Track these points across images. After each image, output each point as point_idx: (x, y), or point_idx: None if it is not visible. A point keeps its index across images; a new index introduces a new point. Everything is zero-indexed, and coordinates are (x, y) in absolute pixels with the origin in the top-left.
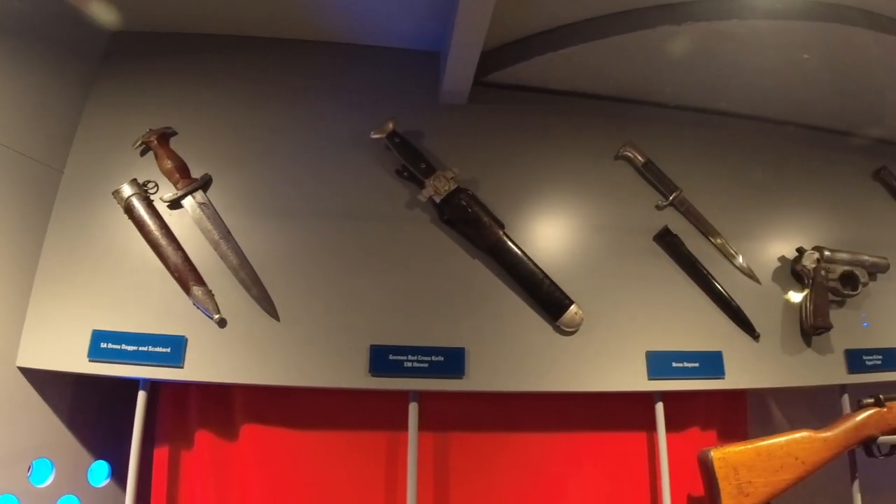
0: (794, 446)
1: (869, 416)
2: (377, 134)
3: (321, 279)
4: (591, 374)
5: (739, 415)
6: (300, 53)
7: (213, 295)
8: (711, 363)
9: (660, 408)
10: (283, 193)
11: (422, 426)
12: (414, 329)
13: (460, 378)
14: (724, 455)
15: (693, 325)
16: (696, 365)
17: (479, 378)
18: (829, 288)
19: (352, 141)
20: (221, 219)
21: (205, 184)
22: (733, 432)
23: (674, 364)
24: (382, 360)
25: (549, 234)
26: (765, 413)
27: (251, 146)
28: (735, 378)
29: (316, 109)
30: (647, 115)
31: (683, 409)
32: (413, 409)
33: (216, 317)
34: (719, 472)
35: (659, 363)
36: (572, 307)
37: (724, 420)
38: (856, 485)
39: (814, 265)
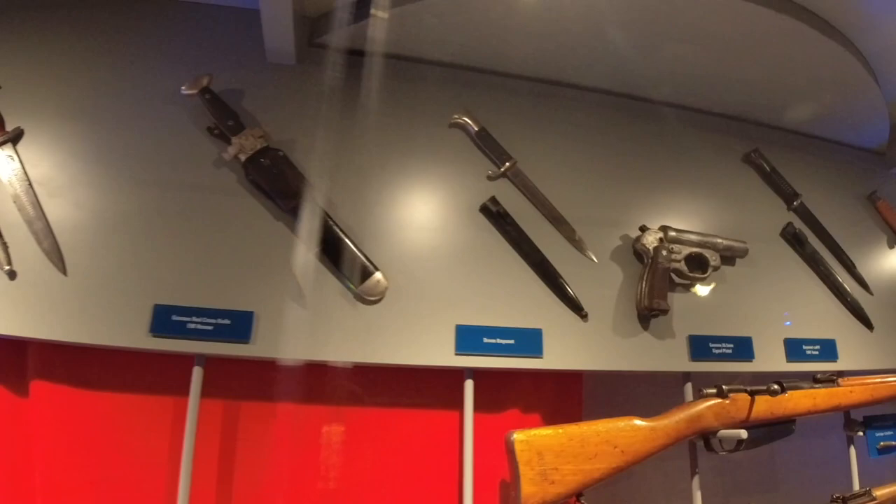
0: (613, 433)
1: (707, 407)
2: (189, 89)
3: (117, 236)
4: (394, 347)
5: (572, 400)
6: (124, 10)
7: (7, 247)
8: (529, 341)
9: (469, 385)
10: (94, 150)
11: (212, 393)
12: (204, 290)
13: (246, 343)
14: (528, 438)
15: (514, 302)
16: (511, 342)
17: (267, 344)
18: (671, 269)
19: (168, 99)
20: (26, 172)
21: (15, 137)
22: (564, 418)
23: (485, 340)
24: (165, 320)
25: (367, 200)
26: (610, 400)
27: (68, 103)
28: (555, 358)
29: (138, 67)
30: (487, 83)
31: (503, 389)
32: (197, 373)
33: (6, 268)
34: (521, 456)
35: (468, 338)
36: (376, 275)
37: (554, 404)
38: (695, 481)
39: (654, 244)
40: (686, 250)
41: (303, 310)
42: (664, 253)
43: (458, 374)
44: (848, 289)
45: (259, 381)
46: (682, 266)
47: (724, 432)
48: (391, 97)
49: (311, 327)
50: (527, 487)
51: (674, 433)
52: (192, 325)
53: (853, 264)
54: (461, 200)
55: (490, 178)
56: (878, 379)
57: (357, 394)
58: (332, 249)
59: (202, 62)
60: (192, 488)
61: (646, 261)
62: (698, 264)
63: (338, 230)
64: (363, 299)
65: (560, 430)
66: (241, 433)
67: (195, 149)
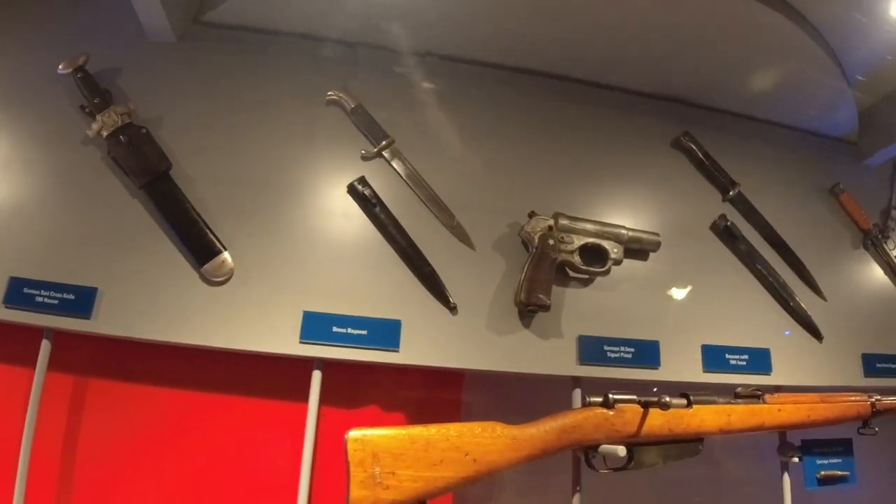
0: (466, 439)
1: (585, 418)
2: (64, 69)
3: None
4: (237, 331)
5: (449, 401)
6: None
7: None
8: (384, 333)
9: (316, 377)
10: None
11: (62, 368)
12: (57, 265)
13: (87, 318)
14: (364, 437)
15: (373, 290)
16: (364, 332)
17: (109, 321)
18: (560, 261)
19: (49, 79)
20: None
21: None
22: (434, 420)
23: (335, 329)
24: (17, 292)
25: (231, 179)
26: (502, 405)
27: None
28: (414, 353)
29: (20, 47)
30: (372, 59)
31: (363, 383)
32: (44, 347)
33: None
34: (353, 457)
35: (316, 326)
36: (223, 255)
37: (426, 404)
38: (576, 499)
39: (541, 232)
40: (581, 240)
41: (148, 288)
42: (551, 242)
43: (310, 365)
44: (794, 292)
45: (108, 358)
46: (575, 258)
47: (603, 448)
48: (268, 74)
49: (155, 306)
50: (356, 491)
51: (540, 444)
52: (39, 299)
53: (802, 264)
54: (331, 181)
55: (364, 157)
56: (818, 397)
57: (203, 378)
58: (181, 227)
59: (85, 42)
60: (31, 463)
61: (530, 249)
62: (597, 257)
63: (189, 208)
64: (208, 280)
65: (403, 432)
66: (87, 410)
67: (68, 128)
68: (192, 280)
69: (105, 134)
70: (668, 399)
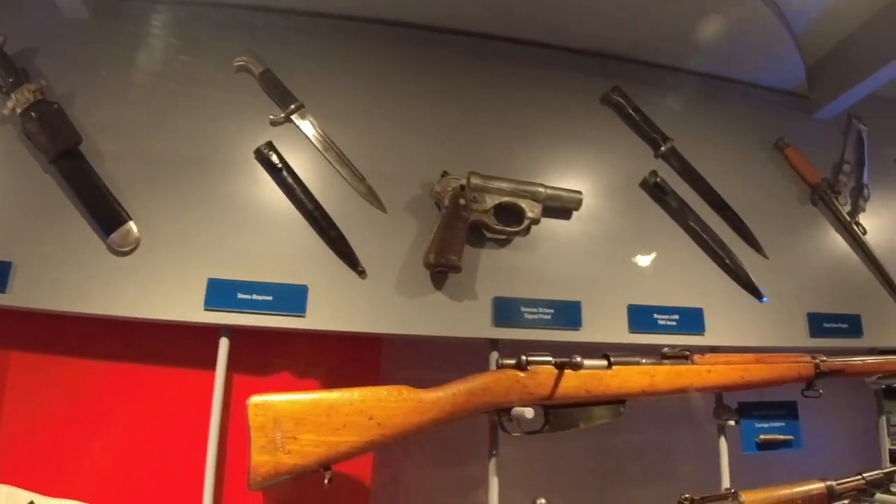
0: (370, 403)
1: (495, 380)
2: None
3: None
4: (144, 300)
5: (366, 366)
6: None
7: None
8: (290, 298)
9: (223, 344)
10: None
11: None
12: None
13: (3, 293)
14: (265, 402)
15: (278, 255)
16: (269, 298)
17: (24, 294)
18: (473, 221)
19: None
20: None
21: None
22: (353, 386)
23: (240, 295)
24: None
25: (141, 152)
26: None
27: None
28: (322, 318)
29: None
30: (278, 23)
31: (274, 350)
32: None
33: None
34: (254, 422)
35: (221, 293)
36: (128, 224)
37: (341, 370)
38: (492, 464)
39: (451, 192)
40: (495, 200)
41: (60, 261)
42: (462, 202)
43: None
44: (732, 250)
45: (24, 330)
46: (489, 218)
47: (515, 411)
48: (177, 45)
49: (68, 279)
50: (256, 456)
51: (448, 407)
52: None
53: (741, 221)
54: (240, 148)
55: (273, 123)
56: (754, 357)
57: (115, 348)
58: (89, 200)
59: (1, 23)
60: None
61: (441, 209)
62: (513, 216)
63: (97, 181)
64: (115, 250)
65: (305, 396)
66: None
67: None
68: (100, 251)
69: (18, 111)
70: (579, 359)
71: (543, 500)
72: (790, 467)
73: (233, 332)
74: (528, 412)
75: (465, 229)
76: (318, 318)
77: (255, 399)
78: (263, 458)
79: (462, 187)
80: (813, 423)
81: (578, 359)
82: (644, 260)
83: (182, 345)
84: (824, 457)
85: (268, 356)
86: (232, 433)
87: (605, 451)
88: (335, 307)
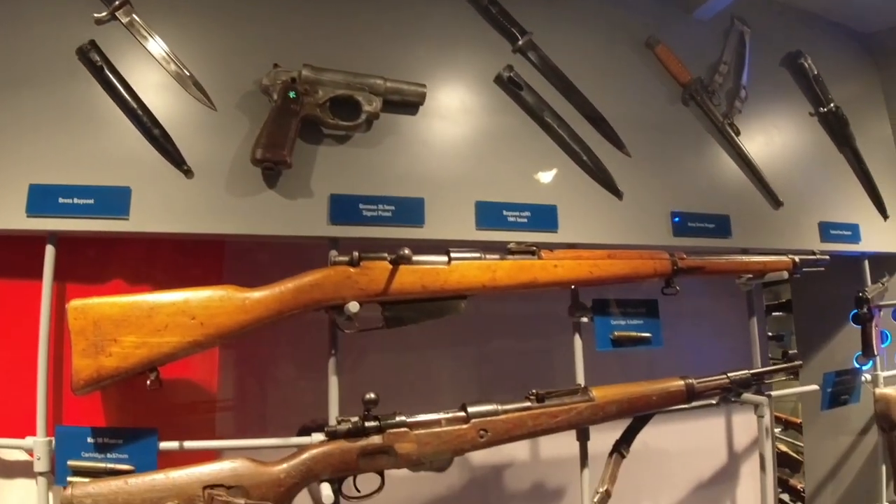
0: (193, 303)
1: (325, 276)
2: None
3: None
4: None
5: (206, 270)
6: None
7: None
8: (112, 201)
9: (49, 252)
10: None
11: None
12: None
13: None
14: (85, 306)
15: (99, 156)
16: (91, 202)
17: None
18: (305, 115)
19: None
20: None
21: None
22: None
23: (61, 200)
24: None
25: None
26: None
27: None
28: (146, 220)
29: None
30: None
31: (107, 257)
32: None
33: None
34: (74, 326)
35: (42, 199)
36: None
37: (179, 274)
38: (331, 363)
39: (280, 84)
40: (330, 92)
41: None
42: (291, 95)
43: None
44: (591, 147)
45: None
46: (323, 112)
47: (353, 306)
48: None
49: None
50: (78, 360)
51: (276, 305)
52: None
53: (602, 118)
54: (61, 48)
55: (97, 21)
56: (606, 253)
57: None
58: None
59: None
60: None
61: (270, 103)
62: (351, 110)
63: None
64: None
65: (125, 299)
66: None
67: None
68: None
69: None
70: (407, 251)
71: (372, 395)
72: (673, 372)
73: (59, 239)
74: (353, 306)
75: (297, 124)
76: (142, 220)
77: (75, 303)
78: (85, 362)
79: (293, 80)
80: (702, 329)
81: (407, 251)
82: (495, 157)
83: (8, 256)
84: (714, 364)
85: (103, 264)
86: (67, 343)
87: (485, 358)
88: (160, 208)
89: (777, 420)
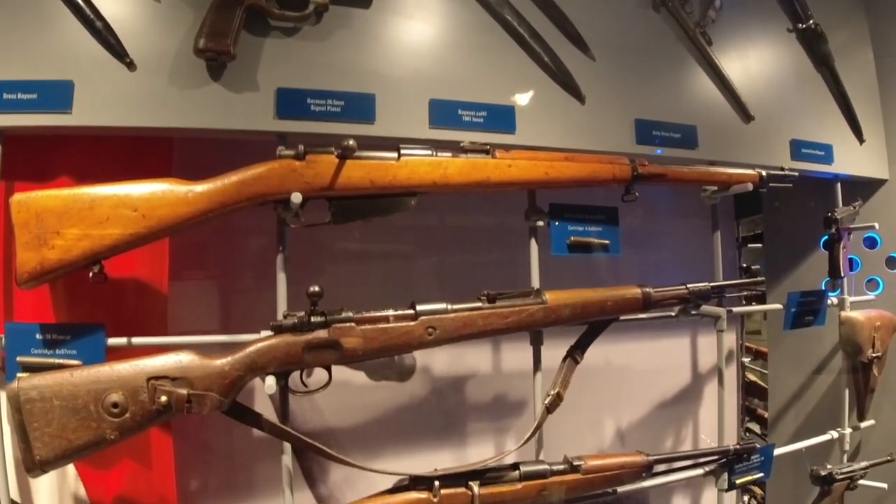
0: (134, 196)
1: (271, 168)
2: None
3: None
4: None
5: (153, 166)
6: None
7: None
8: (54, 95)
9: None
10: None
11: None
12: None
13: None
14: (27, 199)
15: (43, 50)
16: (34, 97)
17: None
18: (249, 4)
19: None
20: None
21: None
22: None
23: (5, 96)
24: None
25: None
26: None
27: None
28: (88, 114)
29: None
30: None
31: (52, 155)
32: None
33: None
34: (17, 219)
35: None
36: None
37: (127, 170)
38: (279, 259)
39: None
40: None
41: None
42: None
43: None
44: (553, 48)
45: None
46: (268, 2)
47: (292, 197)
48: None
49: None
50: (22, 253)
51: (219, 197)
52: None
53: (566, 18)
54: None
55: None
56: (563, 156)
57: None
58: None
59: None
60: None
61: None
62: (298, 1)
63: None
64: None
65: (67, 191)
66: None
67: None
68: None
69: None
70: (352, 143)
71: (316, 287)
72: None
73: (6, 138)
74: (296, 196)
75: (241, 13)
76: (85, 114)
77: (18, 196)
78: (28, 255)
79: None
80: (667, 253)
81: (351, 142)
82: (451, 54)
83: None
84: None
85: (49, 163)
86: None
87: (446, 270)
88: (103, 102)
89: (747, 350)
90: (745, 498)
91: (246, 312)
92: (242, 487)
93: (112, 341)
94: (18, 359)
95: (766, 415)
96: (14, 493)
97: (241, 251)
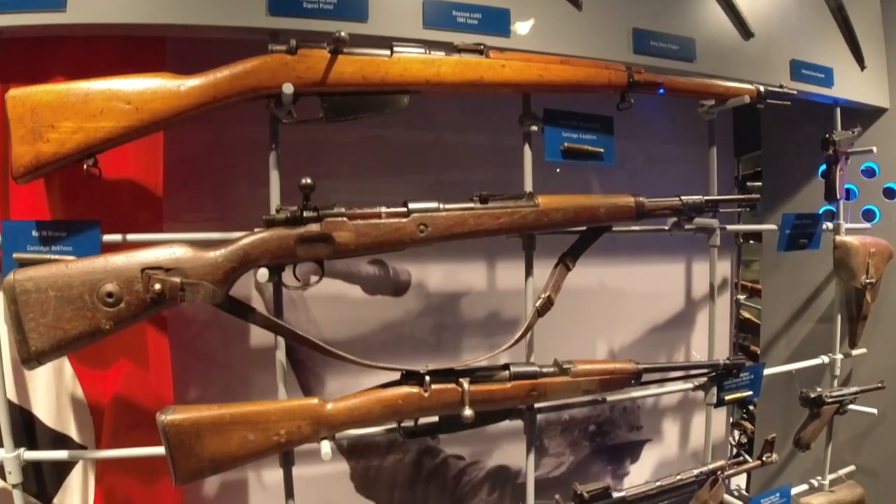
0: (128, 89)
1: (263, 62)
2: None
3: None
4: None
5: (149, 64)
6: None
7: None
8: None
9: None
10: None
11: None
12: None
13: None
14: (23, 94)
15: None
16: None
17: None
18: None
19: None
20: None
21: None
22: None
23: None
24: None
25: None
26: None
27: None
28: (85, 10)
29: None
30: None
31: (46, 57)
32: None
33: None
34: (12, 114)
35: None
36: None
37: (124, 69)
38: (272, 157)
39: None
40: None
41: None
42: None
43: None
44: None
45: None
46: None
47: (283, 88)
48: None
49: None
50: (17, 147)
51: (211, 91)
52: None
53: None
54: None
55: None
56: (559, 59)
57: None
58: None
59: None
60: None
61: None
62: None
63: None
64: None
65: (62, 86)
66: None
67: None
68: None
69: None
70: (343, 34)
71: (308, 180)
72: None
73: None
74: (287, 87)
75: None
76: (80, 11)
77: (13, 92)
78: (24, 149)
79: None
80: (667, 175)
81: (343, 33)
82: None
83: None
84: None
85: (42, 65)
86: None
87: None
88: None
89: (742, 288)
90: (736, 434)
91: (243, 214)
92: (239, 397)
93: (107, 238)
94: (15, 255)
95: (758, 351)
96: (11, 395)
97: (239, 156)
